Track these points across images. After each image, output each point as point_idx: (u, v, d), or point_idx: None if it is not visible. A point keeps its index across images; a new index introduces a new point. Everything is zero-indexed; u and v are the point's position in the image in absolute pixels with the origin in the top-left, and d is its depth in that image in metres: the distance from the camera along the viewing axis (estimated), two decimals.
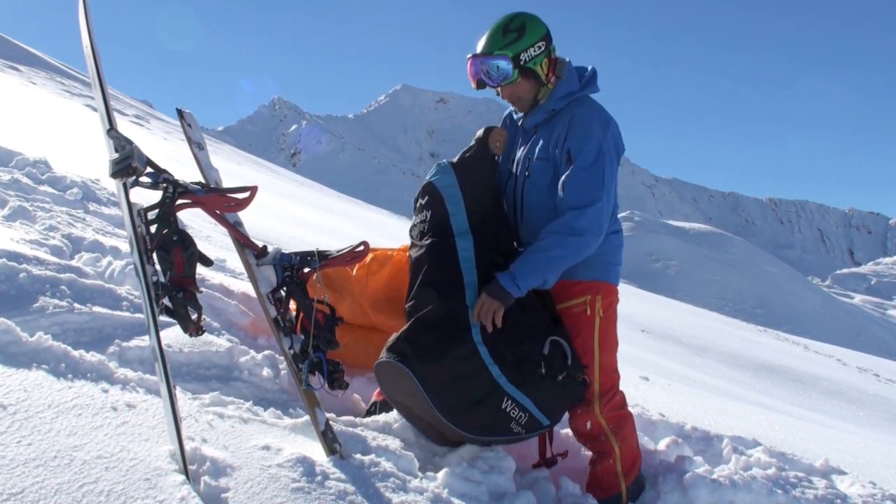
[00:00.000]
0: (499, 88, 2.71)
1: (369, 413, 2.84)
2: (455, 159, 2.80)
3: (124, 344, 2.50)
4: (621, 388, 2.82)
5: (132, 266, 2.84)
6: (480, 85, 2.69)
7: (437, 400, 2.40)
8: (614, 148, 2.65)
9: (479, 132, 2.84)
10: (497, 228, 2.70)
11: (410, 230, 2.80)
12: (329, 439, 2.16)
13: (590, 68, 2.77)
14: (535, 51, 2.62)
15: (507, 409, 2.48)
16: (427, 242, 2.65)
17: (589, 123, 2.64)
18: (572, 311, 2.70)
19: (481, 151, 2.78)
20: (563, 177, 2.62)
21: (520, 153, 2.82)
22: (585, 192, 2.56)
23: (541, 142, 2.74)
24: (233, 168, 17.53)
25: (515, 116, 2.89)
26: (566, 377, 2.56)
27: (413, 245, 2.75)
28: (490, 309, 2.48)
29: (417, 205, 2.80)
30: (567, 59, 2.74)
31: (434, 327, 2.46)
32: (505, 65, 2.60)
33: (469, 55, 2.69)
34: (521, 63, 2.61)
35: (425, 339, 2.44)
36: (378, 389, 2.93)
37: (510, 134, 2.89)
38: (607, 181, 2.61)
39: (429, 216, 2.70)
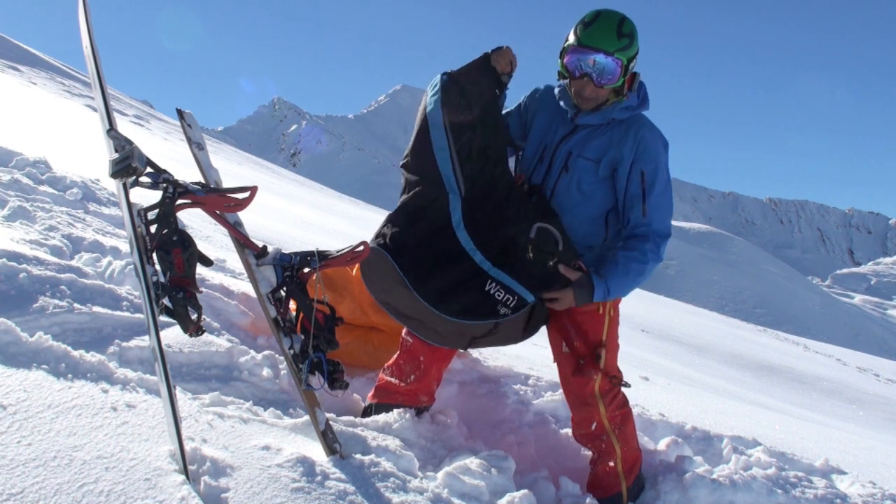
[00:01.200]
0: (583, 83, 2.59)
1: (365, 414, 2.84)
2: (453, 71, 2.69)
3: (124, 344, 2.50)
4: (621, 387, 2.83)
5: (132, 266, 2.84)
6: (571, 75, 2.61)
7: (414, 281, 2.46)
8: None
9: (489, 52, 2.73)
10: (487, 139, 2.63)
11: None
12: (329, 439, 2.16)
13: (643, 84, 2.71)
14: (634, 63, 2.60)
15: (492, 292, 2.49)
16: (409, 147, 2.70)
17: (658, 148, 2.66)
18: (584, 308, 2.69)
19: (482, 65, 2.66)
20: (643, 200, 2.62)
21: (557, 141, 2.74)
22: (666, 217, 2.69)
23: (592, 143, 2.68)
24: (233, 168, 17.53)
25: (562, 104, 2.76)
26: (557, 262, 2.57)
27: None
28: (568, 304, 2.60)
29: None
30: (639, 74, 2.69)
31: (412, 213, 2.58)
32: (617, 68, 2.54)
33: (577, 43, 2.55)
34: (626, 72, 2.58)
35: (405, 222, 2.57)
36: (372, 391, 2.93)
37: (548, 113, 2.80)
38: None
39: (416, 121, 2.71)
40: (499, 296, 2.50)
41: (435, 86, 2.67)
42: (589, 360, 2.69)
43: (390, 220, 2.63)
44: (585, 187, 2.69)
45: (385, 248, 2.54)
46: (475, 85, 2.65)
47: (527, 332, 2.68)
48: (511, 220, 2.58)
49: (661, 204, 2.66)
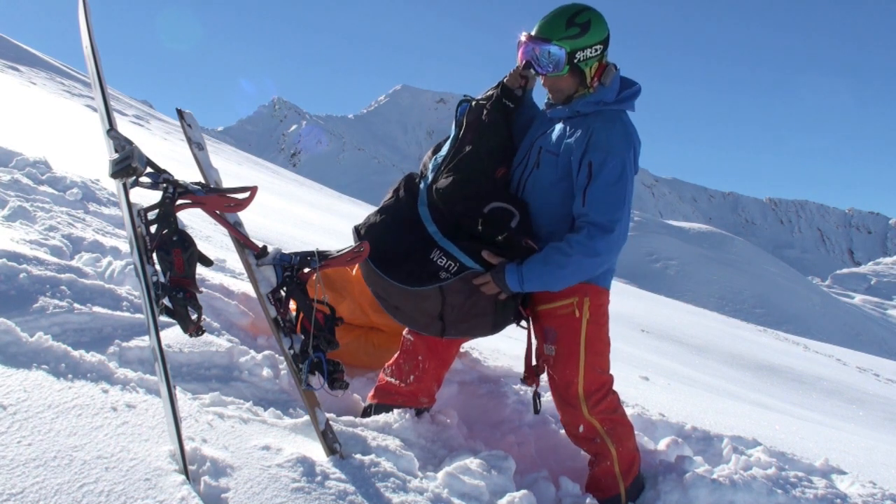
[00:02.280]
0: (532, 73, 2.71)
1: (365, 414, 2.84)
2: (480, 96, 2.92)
3: (124, 344, 2.50)
4: (618, 388, 2.81)
5: (132, 266, 2.84)
6: (527, 66, 2.69)
7: (378, 260, 2.61)
8: (633, 168, 2.63)
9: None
10: (480, 143, 2.81)
11: None
12: (329, 439, 2.16)
13: (636, 86, 2.69)
14: (591, 52, 2.58)
15: (435, 259, 2.61)
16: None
17: (612, 139, 2.57)
18: (558, 312, 2.68)
19: (497, 86, 2.86)
20: (585, 189, 2.56)
21: (535, 138, 2.78)
22: (609, 210, 2.54)
23: (555, 136, 2.70)
24: (233, 168, 17.53)
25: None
26: (507, 238, 2.62)
27: None
28: (490, 290, 2.62)
29: None
30: (616, 68, 2.67)
31: (389, 197, 2.84)
32: (559, 57, 2.57)
33: (524, 34, 2.64)
34: (575, 60, 2.58)
35: (380, 207, 2.81)
36: (372, 391, 2.93)
37: (539, 118, 2.85)
38: (627, 200, 2.59)
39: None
40: (440, 262, 2.60)
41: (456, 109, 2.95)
42: (569, 363, 2.68)
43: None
44: (548, 183, 2.68)
45: (356, 228, 2.77)
46: (485, 104, 2.85)
47: (496, 325, 2.72)
48: (470, 197, 2.69)
49: (605, 196, 2.53)
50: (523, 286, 2.57)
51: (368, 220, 2.78)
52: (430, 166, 2.87)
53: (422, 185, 2.82)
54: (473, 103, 2.86)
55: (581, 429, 2.72)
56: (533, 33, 2.63)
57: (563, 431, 3.09)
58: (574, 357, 2.66)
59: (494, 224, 2.64)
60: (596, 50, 2.59)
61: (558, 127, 2.72)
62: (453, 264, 2.60)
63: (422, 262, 2.61)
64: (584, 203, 2.56)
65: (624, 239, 2.61)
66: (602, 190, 2.54)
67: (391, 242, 2.66)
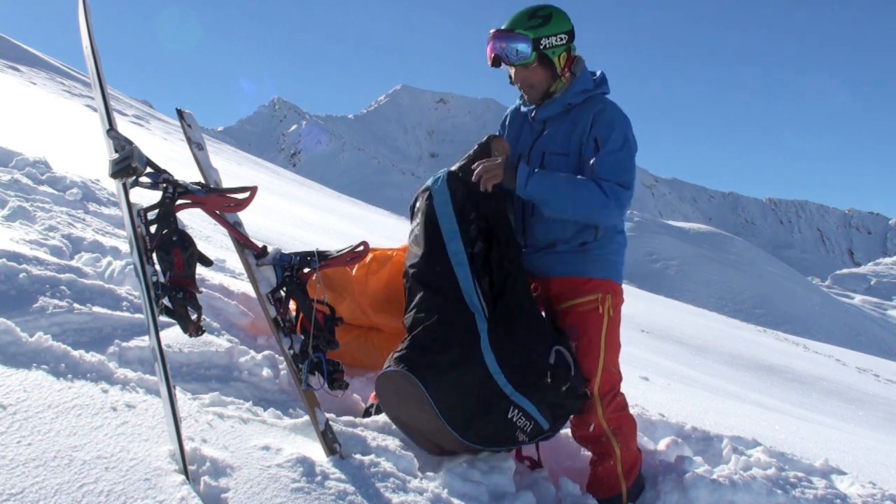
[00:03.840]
0: (512, 72, 2.73)
1: (367, 415, 2.84)
2: (454, 166, 2.77)
3: (124, 344, 2.50)
4: (621, 388, 2.83)
5: (132, 266, 2.84)
6: (496, 63, 2.71)
7: (445, 411, 2.36)
8: (634, 143, 2.73)
9: (483, 139, 2.83)
10: (503, 249, 2.63)
11: (409, 235, 2.80)
12: (329, 439, 2.16)
13: (599, 72, 2.82)
14: (556, 40, 2.66)
15: (514, 419, 2.45)
16: (420, 251, 2.64)
17: (613, 116, 2.70)
18: (581, 308, 2.70)
19: (482, 155, 2.76)
20: (593, 161, 2.66)
21: (530, 145, 2.81)
22: (618, 172, 2.63)
23: (558, 136, 2.74)
24: (233, 168, 17.53)
25: (524, 109, 2.88)
26: (569, 389, 2.56)
27: (409, 251, 2.74)
28: (492, 173, 2.58)
29: (415, 210, 2.81)
30: (583, 59, 2.78)
31: (440, 336, 2.44)
32: (524, 46, 2.63)
33: (492, 31, 2.69)
34: (541, 48, 2.65)
35: (433, 347, 2.42)
36: (373, 392, 2.92)
37: (516, 128, 2.91)
38: (633, 168, 2.70)
39: (422, 220, 2.69)
40: (519, 423, 2.47)
41: (438, 182, 2.70)
42: (588, 360, 2.68)
43: (415, 342, 2.45)
44: None
45: (414, 373, 2.37)
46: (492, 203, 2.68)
47: None
48: (530, 344, 2.53)
49: (613, 160, 2.64)
50: (528, 185, 2.58)
51: (425, 364, 2.38)
52: (465, 289, 2.51)
53: (479, 321, 2.46)
54: (462, 182, 2.67)
55: (591, 428, 2.74)
56: (500, 29, 2.69)
57: (563, 431, 3.08)
58: (594, 354, 2.69)
59: (560, 376, 2.52)
60: (561, 39, 2.66)
61: (556, 128, 2.75)
62: (529, 424, 2.48)
63: (501, 422, 2.43)
64: (593, 171, 2.64)
65: (630, 200, 2.66)
66: (609, 156, 2.65)
67: (461, 398, 2.39)
